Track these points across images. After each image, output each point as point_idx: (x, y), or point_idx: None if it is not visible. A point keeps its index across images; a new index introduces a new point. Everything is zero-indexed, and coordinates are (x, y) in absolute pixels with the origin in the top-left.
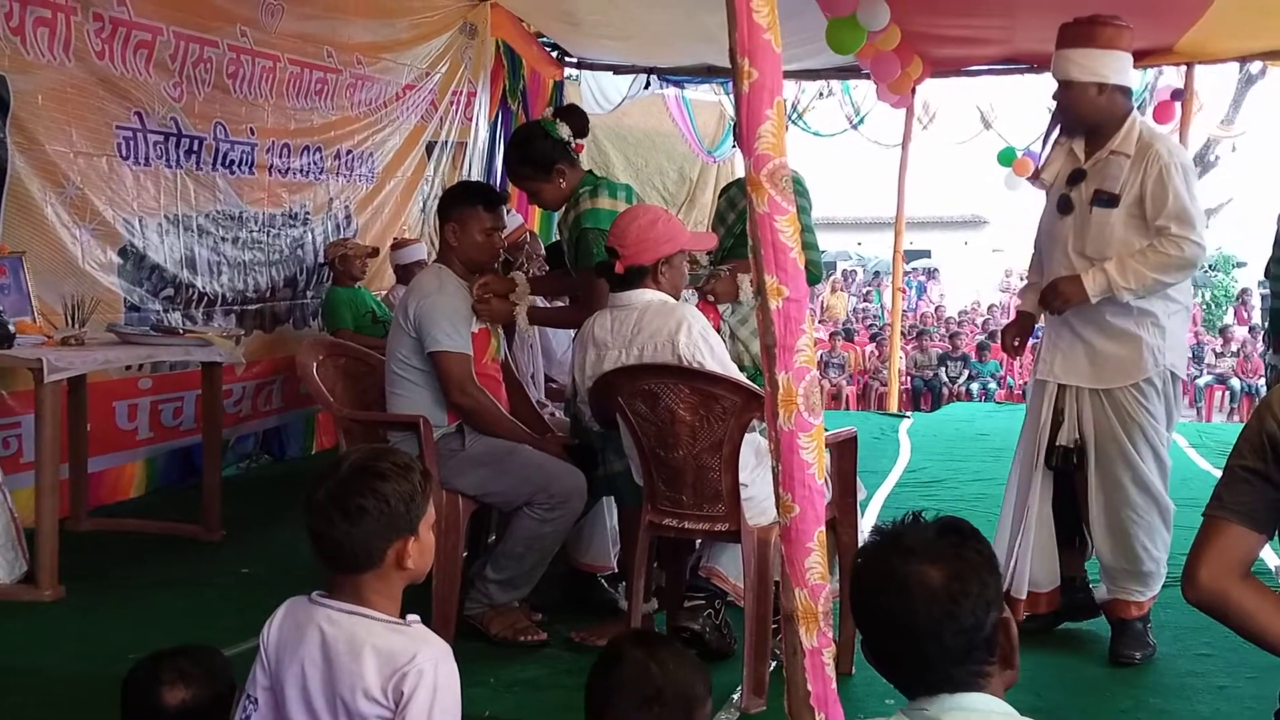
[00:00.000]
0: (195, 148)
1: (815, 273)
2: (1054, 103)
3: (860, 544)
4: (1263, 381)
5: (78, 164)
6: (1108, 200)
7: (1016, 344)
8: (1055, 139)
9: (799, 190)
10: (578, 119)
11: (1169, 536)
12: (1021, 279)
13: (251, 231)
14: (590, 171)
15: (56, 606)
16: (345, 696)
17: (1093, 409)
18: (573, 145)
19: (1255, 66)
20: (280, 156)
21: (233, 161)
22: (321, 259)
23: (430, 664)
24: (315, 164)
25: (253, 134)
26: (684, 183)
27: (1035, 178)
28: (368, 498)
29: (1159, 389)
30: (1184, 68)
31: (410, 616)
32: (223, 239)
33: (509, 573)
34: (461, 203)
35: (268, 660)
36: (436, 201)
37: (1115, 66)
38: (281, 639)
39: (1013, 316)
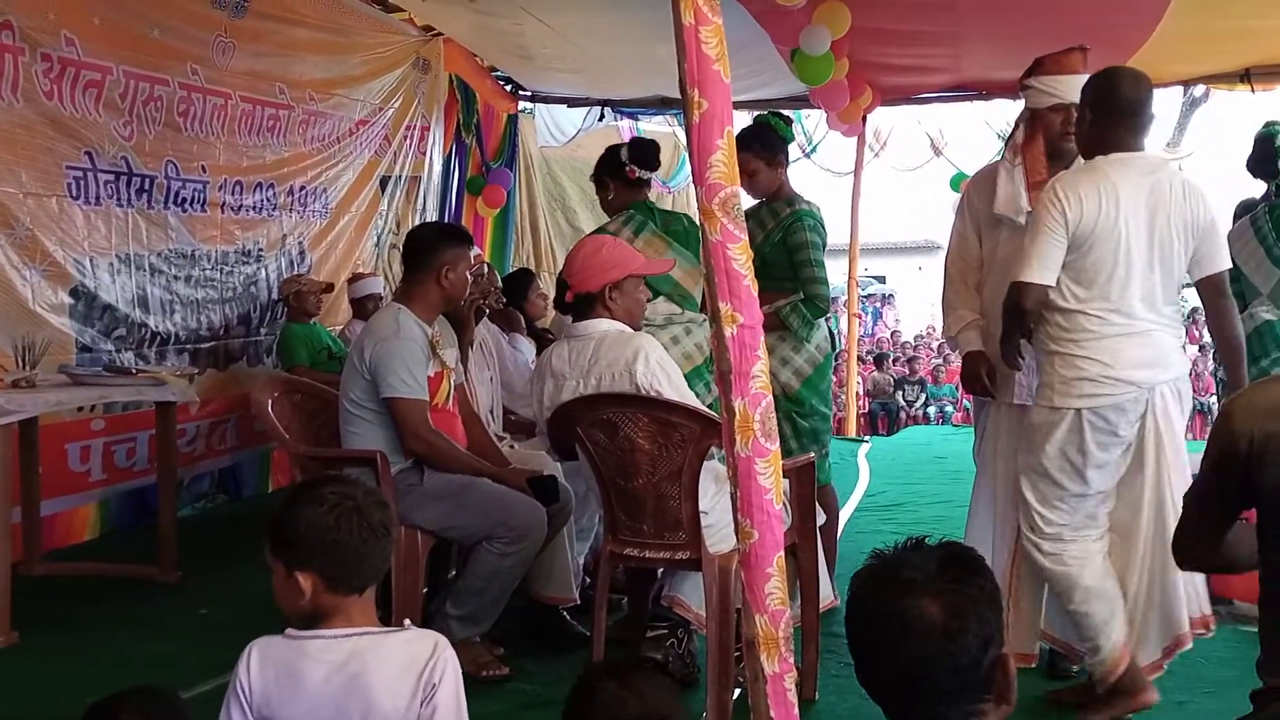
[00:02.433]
0: (146, 186)
1: (821, 305)
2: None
3: (861, 568)
4: (1214, 399)
5: (27, 205)
6: None
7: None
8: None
9: (814, 226)
10: (639, 150)
11: None
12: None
13: (204, 269)
14: (640, 204)
15: (11, 652)
16: (374, 715)
17: None
18: (627, 168)
19: (1198, 90)
20: (233, 194)
21: (185, 199)
22: (276, 295)
23: (448, 650)
24: (268, 200)
25: (205, 172)
26: None
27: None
28: (385, 513)
29: None
30: None
31: (406, 621)
32: (175, 277)
33: (470, 608)
34: (455, 245)
35: (249, 706)
36: (400, 240)
37: None
38: (267, 682)
39: (961, 360)
